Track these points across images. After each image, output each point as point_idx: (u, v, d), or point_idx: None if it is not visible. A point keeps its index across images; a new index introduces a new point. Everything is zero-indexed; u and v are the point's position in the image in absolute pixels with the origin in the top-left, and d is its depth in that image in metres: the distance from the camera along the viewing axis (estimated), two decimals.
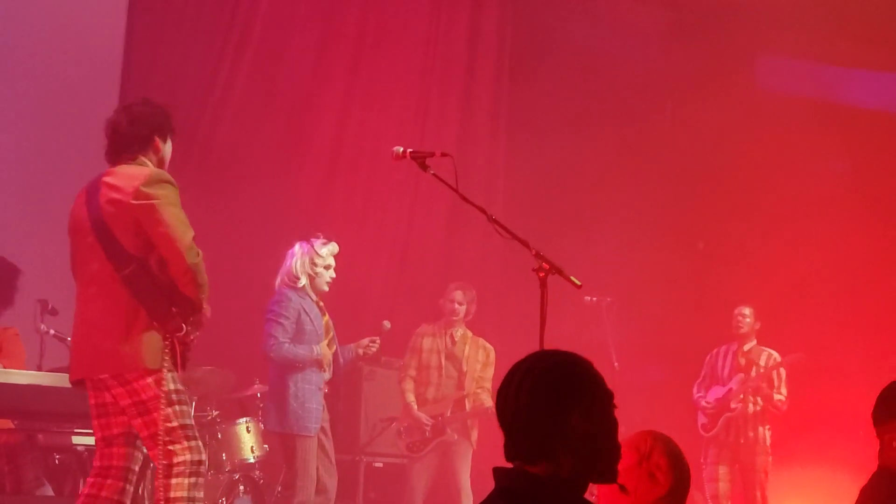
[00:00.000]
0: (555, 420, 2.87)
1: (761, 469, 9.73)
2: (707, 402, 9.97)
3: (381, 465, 9.67)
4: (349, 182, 11.13)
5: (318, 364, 7.67)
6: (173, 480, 5.36)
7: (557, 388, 2.90)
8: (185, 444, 5.39)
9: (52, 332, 7.59)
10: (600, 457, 2.90)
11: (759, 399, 9.78)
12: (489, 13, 12.01)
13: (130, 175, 5.50)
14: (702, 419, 9.98)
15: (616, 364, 9.16)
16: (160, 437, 5.37)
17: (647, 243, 11.21)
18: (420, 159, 5.69)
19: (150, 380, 5.36)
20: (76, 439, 7.10)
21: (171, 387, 5.40)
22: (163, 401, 5.36)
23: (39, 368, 7.44)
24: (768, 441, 9.82)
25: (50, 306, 7.55)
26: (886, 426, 4.07)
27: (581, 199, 11.32)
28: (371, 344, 8.11)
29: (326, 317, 7.85)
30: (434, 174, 5.65)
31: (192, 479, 5.38)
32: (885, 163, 11.64)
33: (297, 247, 7.83)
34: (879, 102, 12.41)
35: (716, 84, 11.51)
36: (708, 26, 11.92)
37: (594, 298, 9.60)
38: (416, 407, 9.07)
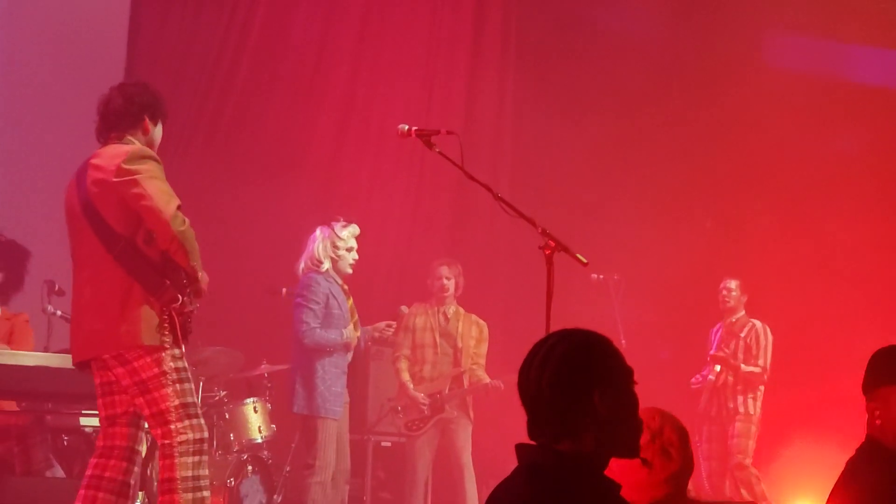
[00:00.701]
0: (576, 399, 2.89)
1: (742, 434, 9.73)
2: (694, 382, 10.10)
3: (388, 444, 9.68)
4: (355, 162, 11.11)
5: (348, 347, 7.74)
6: (177, 460, 5.36)
7: (578, 366, 2.92)
8: (187, 422, 5.39)
9: (59, 313, 7.58)
10: (622, 433, 2.93)
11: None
12: None
13: (113, 154, 5.51)
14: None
15: (623, 341, 9.14)
16: (162, 417, 5.38)
17: (654, 221, 11.19)
18: (425, 137, 5.70)
19: (149, 359, 5.36)
20: (84, 420, 7.10)
21: (171, 365, 5.39)
22: (163, 380, 5.37)
23: (47, 350, 7.45)
24: (753, 409, 9.81)
25: (57, 287, 7.53)
26: (871, 395, 4.04)
27: (587, 177, 11.30)
28: (387, 328, 8.19)
29: (350, 300, 7.89)
30: (439, 152, 5.66)
31: (196, 458, 5.38)
32: (892, 139, 11.60)
33: (317, 231, 7.85)
34: (890, 80, 12.36)
35: (724, 62, 11.47)
36: (716, 4, 11.87)
37: (601, 276, 9.59)
38: (411, 386, 9.06)
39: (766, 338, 9.93)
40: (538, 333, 5.23)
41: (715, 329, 10.21)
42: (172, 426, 5.37)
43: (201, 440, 5.42)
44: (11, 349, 7.15)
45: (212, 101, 10.55)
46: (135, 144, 5.59)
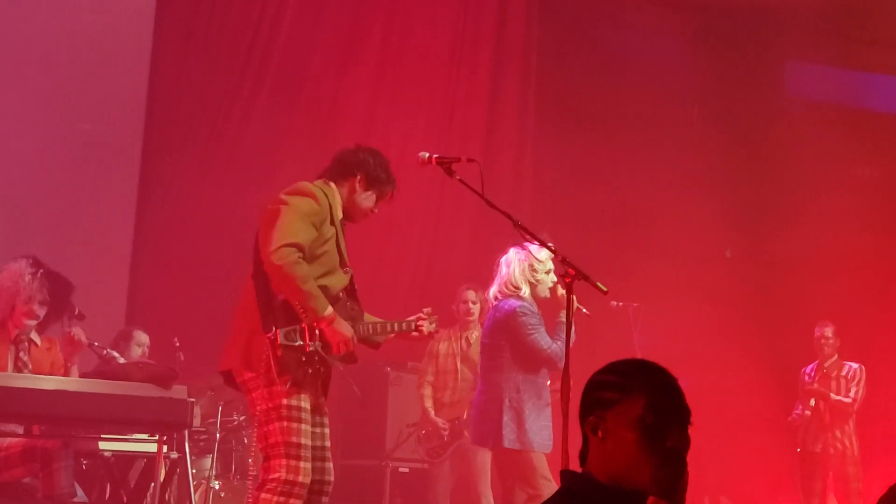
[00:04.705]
0: (588, 428, 2.91)
1: (854, 479, 9.79)
2: (793, 420, 10.14)
3: (406, 470, 9.64)
4: None
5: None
6: (262, 495, 5.37)
7: (589, 396, 2.93)
8: (284, 461, 5.37)
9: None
10: (631, 469, 2.86)
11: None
12: (515, 18, 11.99)
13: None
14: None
15: None
16: (265, 451, 5.43)
17: (675, 248, 11.18)
18: (446, 165, 5.71)
19: (264, 391, 5.43)
20: (103, 445, 7.09)
21: (284, 402, 5.41)
22: (271, 415, 5.40)
23: (66, 374, 7.45)
24: (856, 449, 9.88)
25: (77, 311, 7.54)
26: None
27: (608, 205, 11.30)
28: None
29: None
30: (460, 179, 5.67)
31: (281, 499, 5.35)
32: None
33: (512, 253, 7.34)
34: None
35: (743, 88, 11.48)
36: (735, 31, 11.89)
37: (620, 304, 9.56)
38: (433, 412, 9.03)
39: (863, 374, 9.99)
40: None
41: (808, 370, 10.24)
42: (271, 462, 5.38)
43: (293, 482, 5.38)
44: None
45: (232, 126, 10.58)
46: (314, 183, 5.76)
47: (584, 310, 6.91)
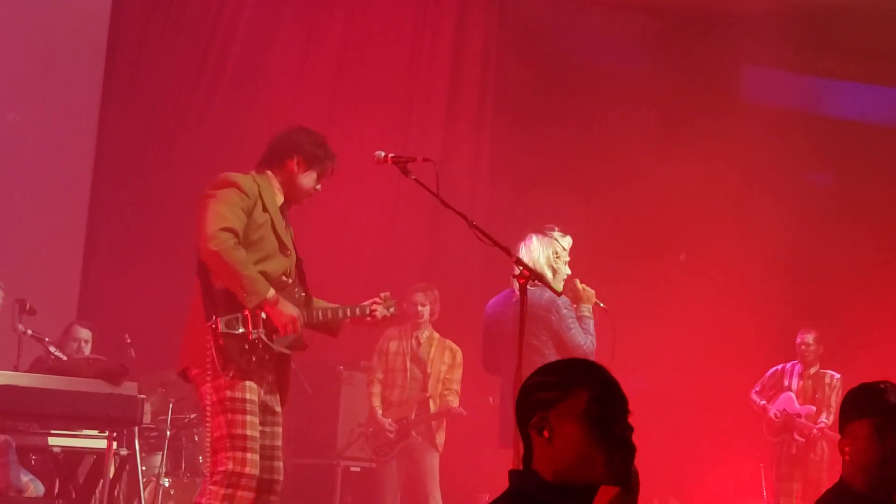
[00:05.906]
0: (533, 429, 2.89)
1: (828, 484, 9.83)
2: (776, 415, 10.11)
3: (358, 469, 9.63)
4: (331, 187, 11.07)
5: None
6: (210, 487, 5.37)
7: (527, 399, 2.94)
8: (230, 453, 5.36)
9: (29, 332, 7.54)
10: (585, 461, 2.85)
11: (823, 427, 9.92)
12: (475, 20, 11.99)
13: None
14: (768, 425, 10.18)
15: None
16: (213, 445, 5.42)
17: (630, 252, 11.21)
18: (401, 164, 5.69)
19: (209, 386, 5.42)
20: (52, 440, 7.04)
21: (228, 394, 5.40)
22: (217, 408, 5.40)
23: (16, 369, 7.39)
24: (827, 455, 9.93)
25: (28, 306, 7.49)
26: (843, 433, 4.02)
27: (564, 206, 11.30)
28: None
29: None
30: (415, 179, 5.65)
31: (228, 491, 5.34)
32: (867, 174, 11.69)
33: (534, 239, 6.95)
34: (862, 114, 12.46)
35: (701, 93, 11.53)
36: (693, 35, 11.94)
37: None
38: (380, 411, 8.99)
39: (839, 384, 10.04)
40: None
41: (786, 369, 10.30)
42: (219, 455, 5.38)
43: (241, 474, 5.36)
44: None
45: (188, 123, 10.53)
46: (250, 175, 5.76)
47: (602, 304, 6.92)
